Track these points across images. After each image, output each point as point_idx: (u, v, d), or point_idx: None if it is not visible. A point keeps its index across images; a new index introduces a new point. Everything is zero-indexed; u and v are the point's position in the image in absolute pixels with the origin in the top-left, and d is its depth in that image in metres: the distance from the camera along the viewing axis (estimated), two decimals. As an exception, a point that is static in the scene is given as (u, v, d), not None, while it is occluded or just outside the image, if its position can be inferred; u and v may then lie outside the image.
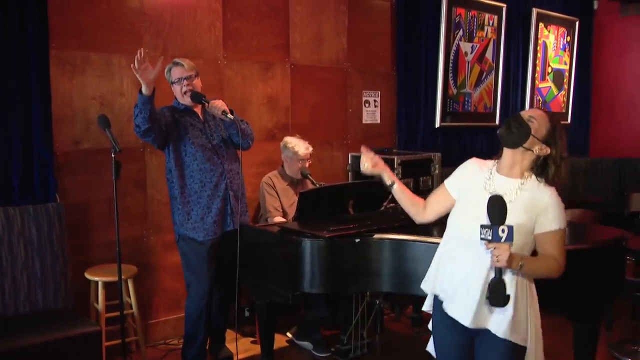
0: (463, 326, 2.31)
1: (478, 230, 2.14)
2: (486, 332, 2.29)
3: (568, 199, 6.13)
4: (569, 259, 2.94)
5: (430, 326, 2.54)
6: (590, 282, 3.00)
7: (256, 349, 4.24)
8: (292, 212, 4.28)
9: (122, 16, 4.08)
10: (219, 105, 3.61)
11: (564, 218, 2.30)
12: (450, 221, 2.43)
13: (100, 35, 4.00)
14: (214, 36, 4.52)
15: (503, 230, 2.07)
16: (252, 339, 4.46)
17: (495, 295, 2.12)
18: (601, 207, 6.53)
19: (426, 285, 2.53)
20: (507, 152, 2.34)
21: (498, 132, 2.35)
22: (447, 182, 2.52)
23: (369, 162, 2.61)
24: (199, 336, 3.77)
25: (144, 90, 3.37)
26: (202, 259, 3.68)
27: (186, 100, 3.72)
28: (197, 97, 3.66)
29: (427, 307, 2.55)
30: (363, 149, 2.65)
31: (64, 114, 3.89)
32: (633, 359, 4.18)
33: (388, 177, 2.61)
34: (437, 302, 2.45)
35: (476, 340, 2.38)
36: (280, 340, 4.33)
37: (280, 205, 4.34)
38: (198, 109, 3.80)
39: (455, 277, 2.33)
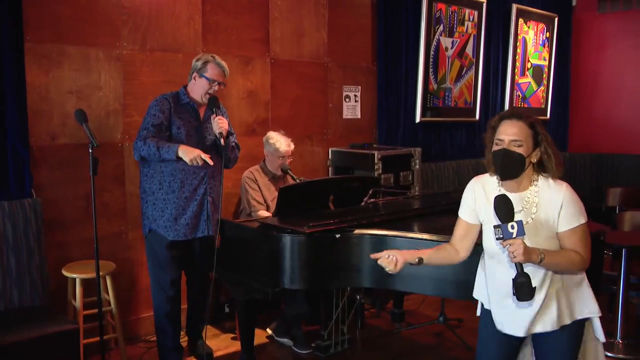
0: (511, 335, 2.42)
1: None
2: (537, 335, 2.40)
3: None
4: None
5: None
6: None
7: (236, 345, 4.22)
8: (273, 206, 4.26)
9: (99, 9, 4.02)
10: (220, 125, 3.54)
11: (583, 212, 2.32)
12: (484, 243, 2.45)
13: (77, 28, 3.93)
14: (194, 30, 4.47)
15: (512, 227, 2.12)
16: (232, 335, 4.43)
17: (521, 290, 2.14)
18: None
19: (480, 296, 2.60)
20: None
21: (497, 176, 2.37)
22: (461, 214, 2.53)
23: (391, 266, 2.45)
24: (167, 328, 3.78)
25: (183, 157, 3.36)
26: (168, 257, 3.67)
27: (200, 98, 3.66)
28: (214, 103, 3.62)
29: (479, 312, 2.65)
30: (379, 260, 2.49)
31: (40, 108, 3.82)
32: (610, 352, 4.22)
33: (412, 259, 2.48)
34: (485, 312, 2.55)
35: (532, 343, 2.51)
36: (260, 336, 4.31)
37: (263, 199, 4.33)
38: (202, 109, 3.73)
39: (498, 293, 2.41)
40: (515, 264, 2.16)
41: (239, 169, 4.64)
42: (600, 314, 2.48)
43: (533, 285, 2.16)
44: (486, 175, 2.47)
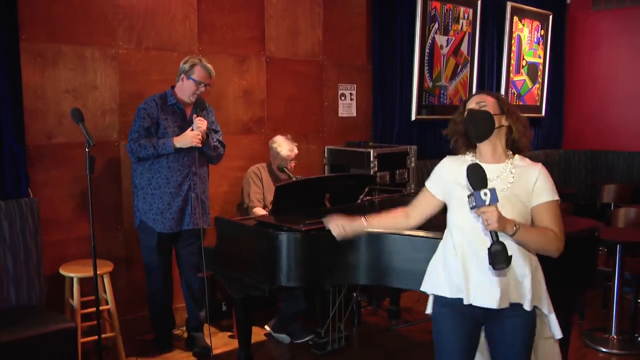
0: (469, 313, 2.34)
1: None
2: (497, 313, 2.30)
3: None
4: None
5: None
6: (566, 272, 3.04)
7: (234, 344, 4.23)
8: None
9: (95, 8, 4.02)
10: (198, 125, 3.74)
11: (556, 192, 2.33)
12: (451, 220, 2.42)
13: (73, 27, 3.94)
14: (189, 28, 4.48)
15: (485, 194, 2.11)
16: (229, 333, 4.44)
17: (497, 257, 2.11)
18: (575, 199, 6.63)
19: (429, 287, 2.48)
20: (483, 144, 2.38)
21: (469, 134, 2.37)
22: (428, 184, 2.52)
23: (339, 231, 2.60)
24: (157, 312, 4.08)
25: (180, 145, 3.70)
26: (157, 246, 3.92)
27: (188, 99, 3.84)
28: (200, 104, 3.81)
29: (429, 309, 2.53)
30: (327, 223, 2.64)
31: (35, 108, 3.82)
32: (604, 347, 4.26)
33: (360, 226, 2.62)
34: (437, 298, 2.44)
35: (486, 323, 2.41)
36: (258, 334, 4.32)
37: (262, 196, 4.36)
38: (188, 109, 3.88)
39: (470, 268, 2.31)
40: (490, 232, 2.15)
41: (235, 168, 4.66)
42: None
43: (509, 254, 2.13)
44: (459, 156, 2.48)
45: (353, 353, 4.19)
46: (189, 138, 3.70)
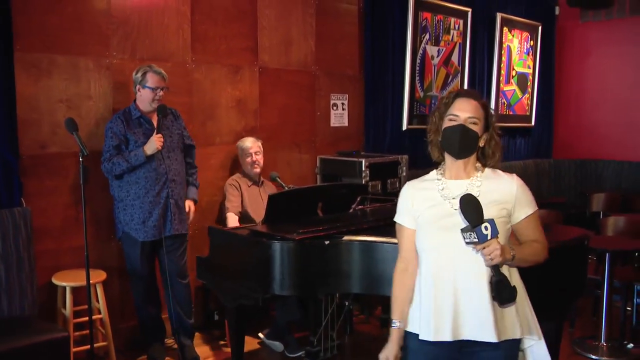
0: (447, 349, 2.13)
1: (459, 240, 2.03)
2: (477, 347, 2.11)
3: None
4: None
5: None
6: (558, 281, 3.08)
7: (226, 353, 4.25)
8: (255, 210, 4.40)
9: (89, 18, 4.04)
10: (155, 140, 3.79)
11: (534, 200, 2.23)
12: (422, 250, 2.21)
13: (67, 37, 3.96)
14: (182, 39, 4.51)
15: (486, 228, 1.96)
16: (221, 342, 4.45)
17: (503, 293, 2.00)
18: (565, 208, 6.69)
19: (407, 324, 2.27)
20: (454, 160, 2.22)
21: (448, 149, 2.20)
22: (399, 219, 2.30)
23: None
24: (147, 321, 4.11)
25: (150, 151, 3.76)
26: (141, 255, 3.96)
27: (150, 107, 3.88)
28: (163, 110, 3.85)
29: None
30: None
31: (29, 117, 3.83)
32: (594, 354, 4.30)
33: (397, 336, 2.31)
34: (411, 336, 2.23)
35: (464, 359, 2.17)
36: (251, 343, 4.34)
37: (240, 205, 4.44)
38: (154, 118, 3.93)
39: (455, 303, 2.09)
40: (492, 267, 2.01)
41: (227, 178, 4.68)
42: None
43: (512, 285, 2.02)
44: (416, 180, 2.35)
45: (345, 362, 4.21)
46: (154, 143, 3.76)
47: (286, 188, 4.42)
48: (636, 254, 4.94)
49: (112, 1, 4.12)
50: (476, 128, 2.16)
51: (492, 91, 7.20)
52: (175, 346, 4.23)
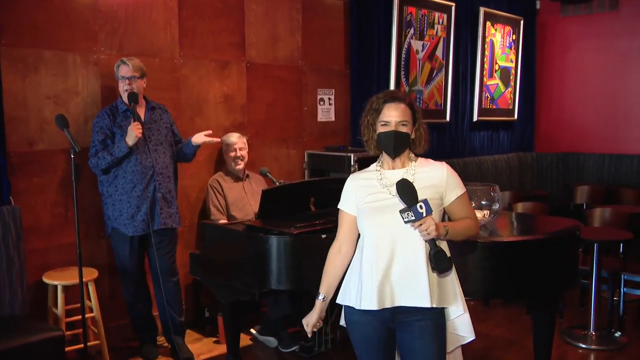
0: (383, 319, 2.38)
1: (399, 221, 2.25)
2: (410, 317, 2.35)
3: (516, 193, 6.36)
4: (531, 250, 3.07)
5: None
6: (551, 270, 3.12)
7: (219, 349, 4.23)
8: (239, 207, 4.43)
9: (75, 13, 3.99)
10: (132, 129, 3.74)
11: (462, 183, 2.48)
12: (365, 231, 2.42)
13: (54, 32, 3.90)
14: (170, 34, 4.47)
15: (421, 207, 2.21)
16: (214, 338, 4.43)
17: (441, 262, 2.24)
18: (548, 200, 6.77)
19: (346, 299, 2.48)
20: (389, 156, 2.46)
21: (385, 150, 2.42)
22: (342, 206, 2.53)
23: (311, 329, 2.62)
24: (137, 319, 4.14)
25: (131, 142, 3.72)
26: (130, 250, 3.97)
27: (126, 98, 3.87)
28: (133, 98, 3.83)
29: (342, 321, 2.57)
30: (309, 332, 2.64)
31: (17, 114, 3.77)
32: (583, 343, 4.36)
33: (320, 308, 2.58)
34: (350, 310, 2.46)
35: (397, 330, 2.41)
36: (243, 339, 4.31)
37: (223, 204, 4.45)
38: (141, 111, 3.94)
39: (394, 274, 2.34)
40: (429, 241, 2.25)
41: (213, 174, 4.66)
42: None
43: (448, 255, 2.27)
44: (358, 172, 2.57)
45: (338, 356, 4.21)
46: (133, 132, 3.72)
47: (277, 183, 4.41)
48: (621, 244, 5.01)
49: (99, -4, 4.07)
50: (406, 129, 2.41)
51: (475, 85, 7.25)
52: (166, 344, 4.21)
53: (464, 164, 6.78)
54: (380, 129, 2.41)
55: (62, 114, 3.42)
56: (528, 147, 8.22)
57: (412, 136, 2.44)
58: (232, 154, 4.52)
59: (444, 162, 2.50)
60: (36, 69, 3.84)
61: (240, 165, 4.53)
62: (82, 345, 3.57)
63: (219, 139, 4.19)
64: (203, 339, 4.44)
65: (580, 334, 4.47)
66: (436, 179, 2.42)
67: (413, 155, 2.49)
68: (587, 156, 7.77)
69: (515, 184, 7.59)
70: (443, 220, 2.47)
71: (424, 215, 2.21)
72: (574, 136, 7.94)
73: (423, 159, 2.50)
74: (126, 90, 3.84)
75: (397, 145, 2.40)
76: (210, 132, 4.10)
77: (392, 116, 2.39)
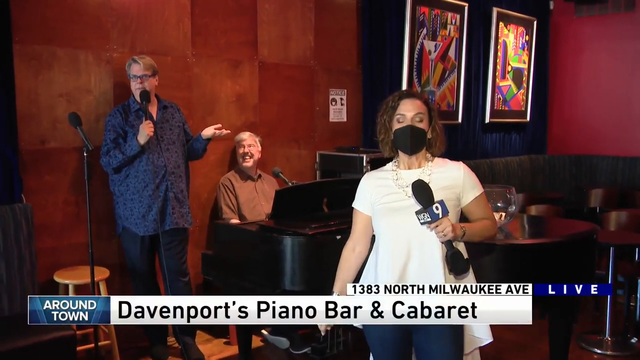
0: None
1: (415, 222, 2.22)
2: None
3: (529, 196, 6.30)
4: (549, 253, 3.02)
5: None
6: (568, 273, 3.07)
7: (230, 350, 4.20)
8: (250, 207, 4.41)
9: (88, 10, 3.97)
10: (144, 127, 3.72)
11: (479, 183, 2.45)
12: (380, 232, 2.41)
13: (66, 30, 3.88)
14: (182, 33, 4.44)
15: (437, 208, 2.18)
16: (224, 339, 4.40)
17: (458, 264, 2.22)
18: (561, 203, 6.70)
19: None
20: (407, 155, 2.42)
21: (401, 148, 2.40)
22: (357, 205, 2.52)
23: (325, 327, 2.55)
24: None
25: (143, 140, 3.69)
26: (141, 250, 3.94)
27: (138, 97, 3.85)
28: (145, 96, 3.80)
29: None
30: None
31: (29, 112, 3.76)
32: (599, 349, 4.30)
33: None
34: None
35: (413, 332, 2.38)
36: (254, 340, 4.27)
37: (235, 203, 4.42)
38: (153, 110, 3.91)
39: (410, 275, 2.31)
40: (445, 243, 2.22)
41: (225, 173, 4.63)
42: None
43: (465, 257, 2.24)
44: (374, 171, 2.54)
45: (350, 358, 4.17)
46: (144, 130, 3.70)
47: (290, 184, 4.37)
48: (636, 249, 4.94)
49: (111, -7, 4.06)
50: (423, 125, 2.39)
51: (487, 86, 7.19)
52: (177, 345, 4.18)
53: (476, 166, 6.71)
54: (397, 126, 2.39)
55: (75, 112, 3.41)
56: (540, 149, 8.14)
57: (429, 136, 2.41)
58: (241, 150, 4.50)
59: (461, 162, 2.47)
60: (49, 67, 3.82)
61: (249, 163, 4.50)
62: (92, 345, 3.55)
63: (229, 131, 4.13)
64: (213, 340, 4.40)
65: (595, 340, 4.41)
66: (453, 180, 2.39)
67: (430, 155, 2.45)
68: (600, 158, 7.69)
69: (527, 186, 7.52)
70: (461, 221, 2.43)
71: (440, 216, 2.18)
72: (587, 138, 7.86)
73: (440, 159, 2.47)
74: (138, 89, 3.81)
75: (413, 141, 2.37)
76: (220, 125, 4.06)
77: (408, 110, 2.38)
